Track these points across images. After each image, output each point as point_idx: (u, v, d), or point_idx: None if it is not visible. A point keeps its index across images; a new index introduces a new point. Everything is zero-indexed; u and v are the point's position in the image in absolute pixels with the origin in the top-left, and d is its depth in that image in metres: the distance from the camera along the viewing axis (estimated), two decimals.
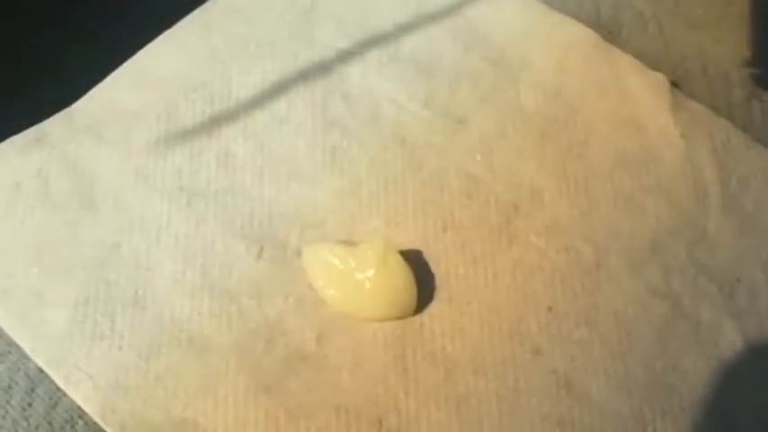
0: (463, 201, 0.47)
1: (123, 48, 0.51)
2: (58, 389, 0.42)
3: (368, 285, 0.43)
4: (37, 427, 0.42)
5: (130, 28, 0.52)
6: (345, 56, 0.51)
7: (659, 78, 0.51)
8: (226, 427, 0.41)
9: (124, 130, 0.49)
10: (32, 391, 0.42)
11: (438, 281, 0.45)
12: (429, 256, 0.46)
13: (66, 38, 0.53)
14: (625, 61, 0.51)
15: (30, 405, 0.42)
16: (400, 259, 0.44)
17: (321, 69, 0.51)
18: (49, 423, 0.41)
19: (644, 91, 0.50)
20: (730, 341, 0.44)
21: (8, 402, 0.42)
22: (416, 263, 0.45)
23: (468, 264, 0.46)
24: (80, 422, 0.42)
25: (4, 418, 0.41)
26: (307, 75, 0.51)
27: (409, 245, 0.46)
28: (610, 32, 0.53)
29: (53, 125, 0.49)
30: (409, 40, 0.52)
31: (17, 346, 0.43)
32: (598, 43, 0.52)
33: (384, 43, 0.52)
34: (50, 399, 0.42)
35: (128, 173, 0.48)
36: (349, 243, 0.45)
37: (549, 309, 0.45)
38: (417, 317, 0.44)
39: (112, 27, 0.53)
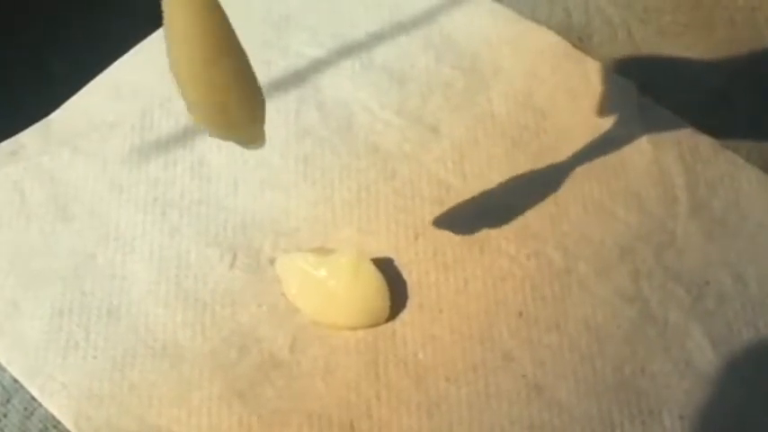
0: (435, 208, 0.48)
1: (106, 55, 0.52)
2: (33, 399, 0.42)
3: (341, 293, 0.44)
4: None
5: (114, 35, 0.53)
6: (319, 65, 0.52)
7: (628, 85, 0.51)
8: None
9: (99, 141, 0.49)
10: (8, 401, 0.42)
11: (410, 288, 0.46)
12: (401, 263, 0.46)
13: (50, 44, 0.53)
14: (595, 68, 0.52)
15: (5, 416, 0.42)
16: (373, 267, 0.45)
17: (295, 78, 0.52)
18: None
19: (613, 97, 0.51)
20: (697, 344, 0.45)
21: None
22: (389, 270, 0.45)
23: (439, 271, 0.46)
24: None
25: None
26: (280, 84, 0.51)
27: (381, 252, 0.46)
28: (580, 39, 0.54)
29: (29, 137, 0.49)
30: (382, 50, 0.53)
31: None
32: (568, 50, 0.53)
33: (357, 52, 0.52)
34: (25, 409, 0.42)
35: (103, 184, 0.48)
36: (322, 251, 0.46)
37: (520, 314, 0.45)
38: (389, 324, 0.45)
39: (97, 33, 0.53)
